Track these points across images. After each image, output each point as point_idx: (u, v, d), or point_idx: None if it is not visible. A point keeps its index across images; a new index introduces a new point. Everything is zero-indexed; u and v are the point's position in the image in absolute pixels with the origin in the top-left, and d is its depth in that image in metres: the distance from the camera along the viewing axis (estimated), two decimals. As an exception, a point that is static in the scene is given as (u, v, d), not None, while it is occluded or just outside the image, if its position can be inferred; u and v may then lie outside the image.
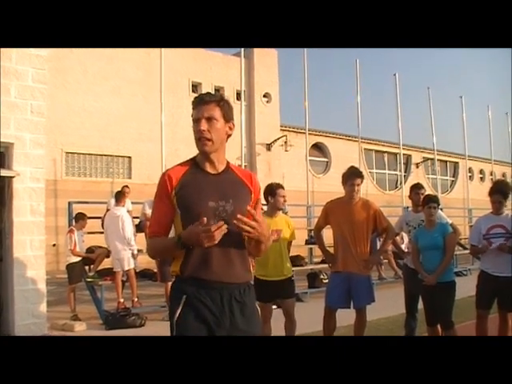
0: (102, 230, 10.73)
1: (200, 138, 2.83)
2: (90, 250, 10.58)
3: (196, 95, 2.97)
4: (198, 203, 2.75)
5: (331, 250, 6.46)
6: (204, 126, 2.81)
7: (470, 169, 33.67)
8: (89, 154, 19.75)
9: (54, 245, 15.83)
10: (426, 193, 7.12)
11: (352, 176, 6.12)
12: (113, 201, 10.93)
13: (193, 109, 2.88)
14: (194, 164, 2.88)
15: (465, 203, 26.13)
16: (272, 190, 6.36)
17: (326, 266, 10.08)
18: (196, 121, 2.84)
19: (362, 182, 6.17)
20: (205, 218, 2.55)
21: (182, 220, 2.78)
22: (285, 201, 6.41)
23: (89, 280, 10.10)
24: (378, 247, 9.22)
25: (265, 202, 6.25)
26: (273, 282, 6.09)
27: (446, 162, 35.17)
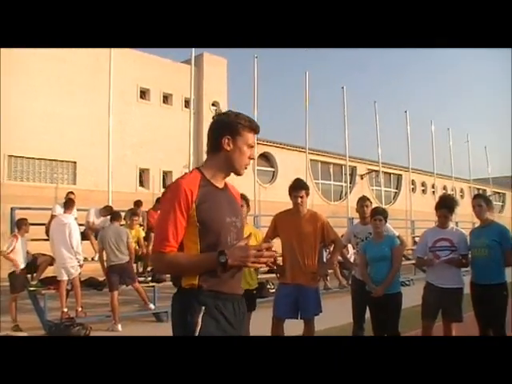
0: (45, 237, 10.50)
1: (247, 164, 2.94)
2: (33, 257, 10.32)
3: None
4: (218, 218, 2.80)
5: (280, 260, 6.49)
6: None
7: (412, 181, 34.47)
8: (32, 158, 19.29)
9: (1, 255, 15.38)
10: (374, 205, 7.25)
11: (296, 188, 6.20)
12: (58, 207, 10.74)
13: (248, 132, 2.91)
14: (203, 177, 2.84)
15: (407, 215, 26.74)
16: None
17: (272, 275, 10.13)
18: (251, 147, 2.94)
19: (307, 193, 6.24)
20: (273, 243, 2.64)
21: (200, 235, 2.75)
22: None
23: (31, 289, 9.85)
24: (325, 258, 9.33)
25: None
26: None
27: (390, 174, 35.94)
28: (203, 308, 2.69)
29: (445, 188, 37.69)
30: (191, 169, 2.93)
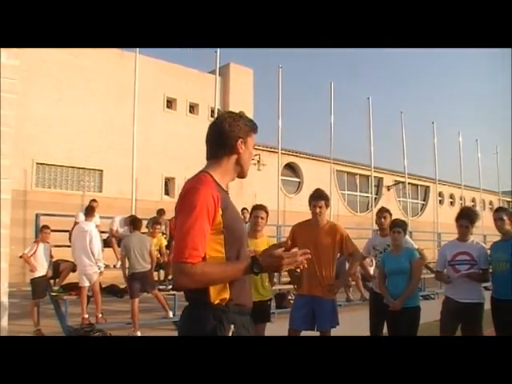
0: (68, 244, 10.62)
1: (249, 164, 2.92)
2: (55, 263, 10.45)
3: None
4: (240, 224, 2.77)
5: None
6: None
7: (440, 193, 34.12)
8: (60, 166, 19.52)
9: (21, 256, 15.59)
10: (395, 217, 7.17)
11: (315, 198, 6.16)
12: (81, 214, 10.85)
13: (254, 133, 2.88)
14: (214, 181, 2.68)
15: (434, 227, 26.40)
16: (251, 211, 6.54)
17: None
18: (253, 147, 2.91)
19: (326, 204, 6.17)
20: (289, 241, 2.63)
21: (225, 243, 2.61)
22: (259, 222, 6.38)
23: (53, 294, 9.98)
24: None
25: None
26: None
27: (417, 185, 35.61)
28: (232, 326, 2.57)
29: (473, 200, 37.24)
30: (198, 173, 2.81)
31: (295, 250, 2.66)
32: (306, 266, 2.65)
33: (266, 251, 2.60)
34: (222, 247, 2.61)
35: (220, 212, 2.57)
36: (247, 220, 12.25)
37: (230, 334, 2.55)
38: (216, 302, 2.58)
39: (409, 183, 27.49)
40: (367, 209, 30.71)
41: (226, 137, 2.76)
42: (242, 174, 2.87)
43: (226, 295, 2.60)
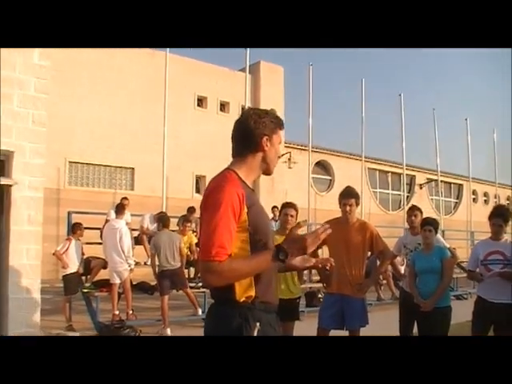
0: (100, 241, 10.74)
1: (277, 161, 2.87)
2: (87, 260, 10.59)
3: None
4: (266, 222, 2.76)
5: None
6: None
7: (474, 191, 33.57)
8: (92, 164, 19.81)
9: (54, 253, 15.82)
10: (427, 215, 7.07)
11: (345, 196, 6.09)
12: (112, 212, 10.97)
13: (280, 129, 2.84)
14: (240, 179, 2.67)
15: (468, 225, 26.00)
16: (281, 208, 6.58)
17: (324, 285, 10.04)
18: (280, 143, 2.87)
19: (356, 202, 6.09)
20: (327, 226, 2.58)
21: (251, 241, 2.58)
22: (289, 219, 6.36)
23: (85, 291, 10.10)
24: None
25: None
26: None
27: (450, 183, 35.14)
28: (258, 324, 2.55)
29: (508, 198, 36.57)
30: (224, 170, 2.78)
31: (321, 227, 2.60)
32: (333, 264, 2.63)
33: (288, 237, 2.59)
34: (248, 245, 2.58)
35: (245, 210, 2.55)
36: (277, 218, 12.29)
37: (256, 332, 2.53)
38: (242, 300, 2.56)
39: (442, 181, 27.13)
40: (399, 207, 30.39)
41: (251, 134, 2.72)
42: (267, 172, 2.84)
43: (252, 293, 2.58)
